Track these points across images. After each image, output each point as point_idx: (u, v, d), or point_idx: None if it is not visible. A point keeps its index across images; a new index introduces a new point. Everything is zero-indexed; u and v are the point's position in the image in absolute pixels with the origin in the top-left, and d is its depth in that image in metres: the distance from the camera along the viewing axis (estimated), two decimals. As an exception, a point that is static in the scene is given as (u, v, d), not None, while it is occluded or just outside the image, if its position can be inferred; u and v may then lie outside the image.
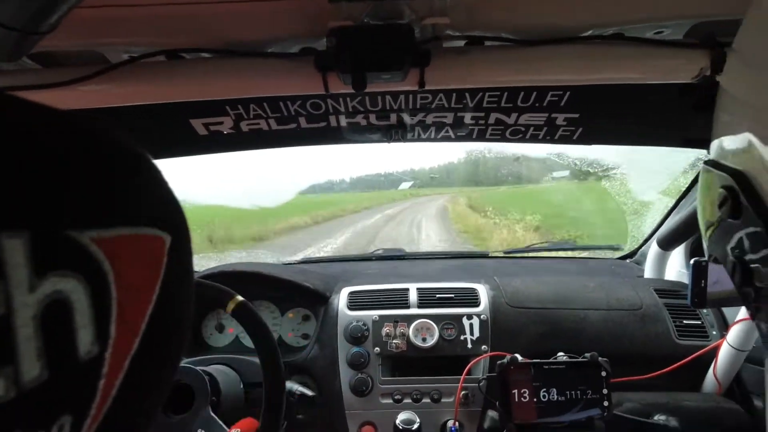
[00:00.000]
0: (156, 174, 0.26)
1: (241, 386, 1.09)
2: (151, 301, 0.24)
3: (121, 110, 0.87)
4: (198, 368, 0.98)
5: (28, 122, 0.20)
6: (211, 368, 1.05)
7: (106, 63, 0.83)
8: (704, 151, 1.21)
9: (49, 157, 0.19)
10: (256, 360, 0.94)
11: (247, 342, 1.36)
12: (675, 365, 1.17)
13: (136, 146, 0.25)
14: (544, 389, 1.05)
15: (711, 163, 0.49)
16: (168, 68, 0.84)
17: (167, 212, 0.26)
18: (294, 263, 1.77)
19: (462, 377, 1.17)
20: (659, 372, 1.17)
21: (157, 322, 0.24)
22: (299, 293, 1.38)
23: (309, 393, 1.16)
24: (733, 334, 1.16)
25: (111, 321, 0.21)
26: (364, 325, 1.25)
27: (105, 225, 0.21)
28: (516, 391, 1.04)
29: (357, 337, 1.24)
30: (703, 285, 1.06)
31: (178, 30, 0.80)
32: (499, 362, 1.08)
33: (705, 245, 0.52)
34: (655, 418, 1.13)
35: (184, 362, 1.02)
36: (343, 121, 1.13)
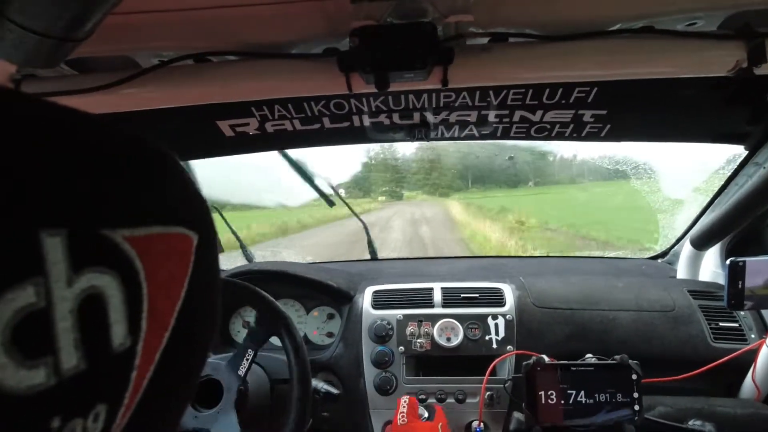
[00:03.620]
0: (184, 175, 0.27)
1: (268, 382, 1.11)
2: (180, 297, 0.25)
3: (150, 113, 0.90)
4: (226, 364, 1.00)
5: (65, 127, 0.21)
6: None
7: (138, 68, 0.86)
8: (740, 147, 1.17)
9: (85, 160, 0.21)
10: (283, 357, 0.96)
11: (274, 339, 1.38)
12: (709, 366, 1.13)
13: (165, 149, 0.26)
14: (572, 391, 1.02)
15: None
16: (196, 71, 0.86)
17: (195, 212, 0.27)
18: (319, 262, 1.79)
19: (486, 377, 1.16)
20: (692, 373, 1.13)
21: (185, 317, 0.25)
22: (324, 292, 1.39)
23: (334, 391, 1.17)
24: (774, 337, 1.11)
25: (142, 315, 0.22)
26: (389, 324, 1.26)
27: (137, 224, 0.22)
28: (543, 392, 1.03)
29: (381, 336, 1.24)
30: (740, 286, 1.02)
31: (205, 34, 0.82)
32: (525, 363, 1.06)
33: None
34: (690, 423, 1.09)
35: (213, 359, 1.05)
36: (367, 121, 1.14)
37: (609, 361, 1.05)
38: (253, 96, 0.90)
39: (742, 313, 1.26)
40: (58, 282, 0.18)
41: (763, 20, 0.75)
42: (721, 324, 1.23)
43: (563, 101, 1.03)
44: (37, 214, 0.18)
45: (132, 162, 0.24)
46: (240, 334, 1.41)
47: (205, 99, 0.88)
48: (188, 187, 0.27)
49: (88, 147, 0.21)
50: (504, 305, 1.27)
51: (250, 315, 1.42)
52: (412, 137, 1.20)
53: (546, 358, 1.05)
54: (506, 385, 1.17)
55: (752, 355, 1.15)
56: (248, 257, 1.75)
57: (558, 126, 1.12)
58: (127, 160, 0.23)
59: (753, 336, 1.21)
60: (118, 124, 0.23)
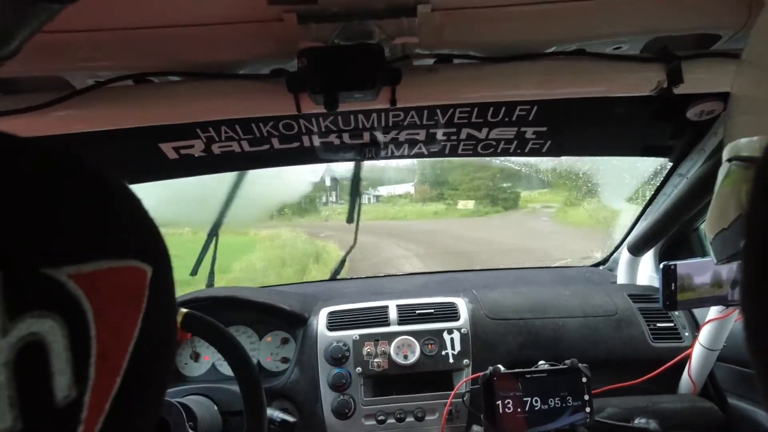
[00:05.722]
0: (134, 203, 0.25)
1: (219, 417, 1.06)
2: (133, 338, 0.23)
3: (86, 136, 0.85)
4: (173, 400, 0.94)
5: None
6: (187, 399, 1.02)
7: (71, 88, 0.81)
8: (664, 159, 1.27)
9: (19, 189, 0.19)
10: (235, 388, 0.92)
11: (225, 369, 1.32)
12: (654, 372, 1.20)
13: (112, 175, 0.24)
14: (528, 398, 1.05)
15: (740, 159, 0.49)
16: (136, 92, 0.82)
17: (148, 242, 0.25)
18: (270, 285, 1.74)
19: (452, 393, 1.17)
20: (640, 380, 1.20)
21: (139, 358, 0.23)
22: (277, 316, 1.35)
23: (290, 419, 1.13)
24: (705, 334, 1.19)
25: (90, 362, 0.20)
26: (345, 345, 1.24)
27: (83, 259, 0.20)
28: (500, 402, 1.04)
29: (338, 357, 1.22)
30: (673, 288, 1.09)
31: (145, 54, 0.79)
32: (482, 374, 1.08)
33: (720, 245, 0.52)
34: (636, 421, 1.15)
35: None
36: (317, 141, 1.13)
37: (560, 366, 1.09)
38: (198, 117, 0.88)
39: (676, 313, 1.35)
40: None
41: (679, 45, 0.83)
42: (658, 324, 1.31)
43: (506, 119, 1.07)
44: None
45: (75, 189, 0.21)
46: (188, 366, 1.33)
47: (146, 121, 0.84)
48: (139, 214, 0.25)
49: (23, 175, 0.19)
50: (458, 319, 1.29)
51: (198, 346, 1.35)
52: (363, 156, 1.21)
53: (502, 368, 1.07)
54: (464, 398, 1.18)
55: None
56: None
57: (503, 143, 1.17)
58: (69, 187, 0.21)
59: (687, 334, 1.30)
60: (55, 146, 0.21)
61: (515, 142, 1.17)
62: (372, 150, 1.19)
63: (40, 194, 0.19)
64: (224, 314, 1.08)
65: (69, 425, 0.20)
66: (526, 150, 1.20)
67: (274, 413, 1.11)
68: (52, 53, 0.74)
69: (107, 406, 0.21)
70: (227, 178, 1.52)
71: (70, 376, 0.19)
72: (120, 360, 0.22)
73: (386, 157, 1.25)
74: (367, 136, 1.14)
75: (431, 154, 1.25)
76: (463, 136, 1.15)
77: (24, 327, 0.17)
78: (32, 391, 0.18)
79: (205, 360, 1.34)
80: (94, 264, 0.21)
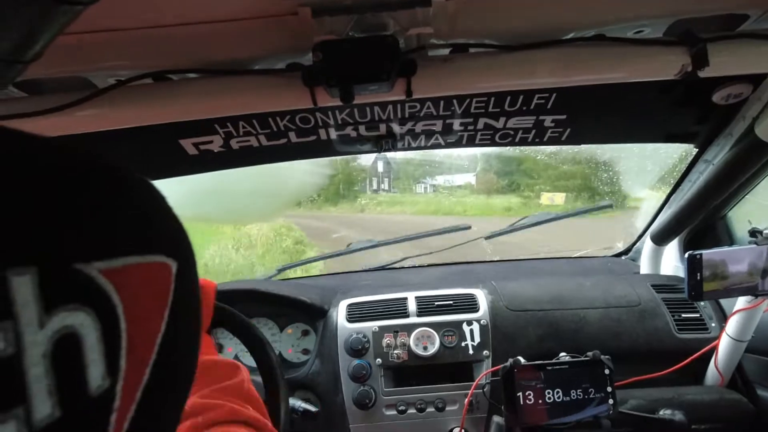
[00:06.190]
0: (159, 200, 0.26)
1: None
2: (160, 330, 0.24)
3: (108, 134, 0.87)
4: None
5: (22, 153, 0.19)
6: None
7: (93, 88, 0.83)
8: (689, 145, 1.23)
9: (50, 189, 0.19)
10: (258, 379, 0.93)
11: (247, 361, 1.34)
12: (680, 364, 1.18)
13: (138, 174, 0.25)
14: (549, 390, 1.04)
15: None
16: (155, 90, 0.83)
17: (172, 237, 0.26)
18: (290, 279, 1.76)
19: (473, 384, 1.17)
20: (665, 371, 1.18)
21: (166, 349, 0.24)
22: (297, 308, 1.37)
23: (312, 409, 1.15)
24: (732, 324, 1.16)
25: (121, 353, 0.21)
26: (364, 336, 1.25)
27: (112, 255, 0.21)
28: (521, 393, 1.04)
29: (358, 349, 1.23)
30: (699, 278, 1.06)
31: (163, 52, 0.80)
32: (502, 366, 1.07)
33: None
34: (661, 413, 1.13)
35: None
36: (333, 134, 1.14)
37: (582, 358, 1.08)
38: (216, 113, 0.89)
39: (702, 303, 1.31)
40: (29, 325, 0.17)
41: (703, 27, 0.80)
42: (683, 315, 1.28)
43: (524, 108, 1.05)
44: (1, 253, 0.17)
45: (100, 187, 0.22)
46: (212, 357, 1.37)
47: (166, 118, 0.86)
48: (163, 211, 0.26)
49: (52, 175, 0.20)
50: (478, 310, 1.28)
51: (222, 338, 1.38)
52: (379, 148, 1.20)
53: (522, 360, 1.07)
54: (485, 389, 1.18)
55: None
56: None
57: (521, 132, 1.15)
58: (93, 185, 0.22)
59: (713, 325, 1.27)
60: (82, 147, 0.22)
61: (534, 131, 1.15)
62: (389, 142, 1.18)
63: (66, 193, 0.20)
64: (246, 307, 1.10)
65: (103, 413, 0.21)
66: (545, 139, 1.18)
67: (296, 403, 1.13)
68: (73, 54, 0.76)
69: (138, 396, 0.22)
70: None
71: (103, 366, 0.20)
72: (148, 353, 0.23)
73: (403, 149, 1.25)
74: (383, 128, 1.14)
75: (448, 145, 1.25)
76: (480, 125, 1.13)
77: (59, 320, 0.18)
78: (69, 380, 0.19)
79: (228, 351, 1.37)
80: (122, 259, 0.21)
